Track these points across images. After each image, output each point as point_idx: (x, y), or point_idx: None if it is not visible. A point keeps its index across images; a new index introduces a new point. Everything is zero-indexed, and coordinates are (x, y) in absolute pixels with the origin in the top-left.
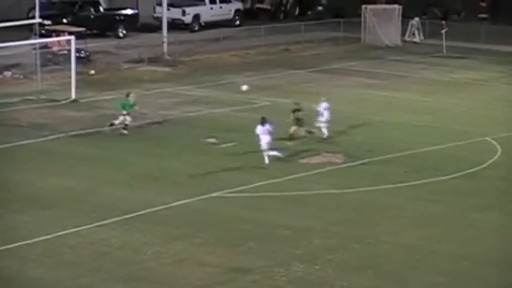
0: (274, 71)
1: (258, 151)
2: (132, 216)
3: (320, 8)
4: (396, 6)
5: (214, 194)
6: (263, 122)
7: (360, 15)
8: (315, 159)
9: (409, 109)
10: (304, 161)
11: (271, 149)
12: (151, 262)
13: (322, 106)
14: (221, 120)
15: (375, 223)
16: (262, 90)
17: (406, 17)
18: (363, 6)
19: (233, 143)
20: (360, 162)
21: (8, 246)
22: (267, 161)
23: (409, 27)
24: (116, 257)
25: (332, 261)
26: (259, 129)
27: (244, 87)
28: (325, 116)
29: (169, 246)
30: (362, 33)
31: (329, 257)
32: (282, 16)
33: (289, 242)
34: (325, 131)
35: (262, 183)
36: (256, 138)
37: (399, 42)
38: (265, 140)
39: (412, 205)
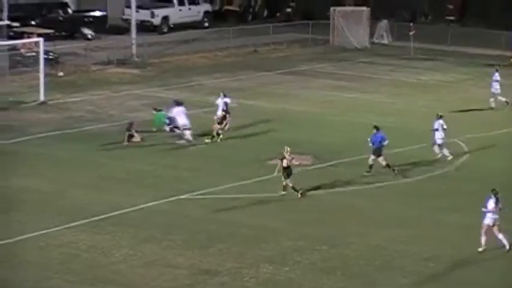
0: (242, 72)
1: (222, 149)
2: (100, 219)
3: (289, 9)
4: (364, 8)
5: (183, 196)
6: (178, 103)
7: (328, 17)
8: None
9: (377, 111)
10: (273, 162)
11: (186, 129)
12: (120, 264)
13: None
14: (191, 121)
15: (343, 224)
16: (231, 91)
17: (374, 19)
18: (332, 8)
19: (203, 145)
20: (328, 163)
21: None
22: (190, 138)
23: (377, 29)
24: (84, 259)
25: (300, 262)
26: (175, 110)
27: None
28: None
29: (137, 249)
30: (330, 35)
31: (297, 258)
32: (250, 18)
33: (258, 243)
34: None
35: (230, 185)
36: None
37: (367, 44)
38: (181, 121)
39: (379, 206)
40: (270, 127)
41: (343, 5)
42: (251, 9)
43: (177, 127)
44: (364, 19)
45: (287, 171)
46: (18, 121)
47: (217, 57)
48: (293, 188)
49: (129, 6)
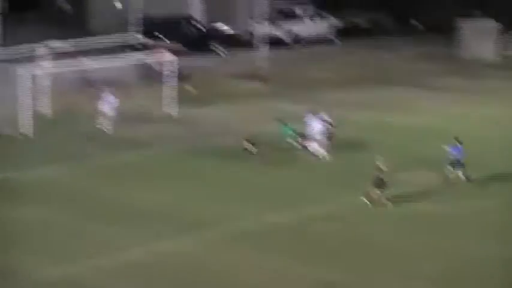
0: (369, 87)
1: (350, 166)
2: (225, 231)
3: (415, 23)
4: (494, 20)
5: (304, 209)
6: (316, 113)
7: (457, 30)
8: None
9: (507, 126)
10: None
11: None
12: (244, 276)
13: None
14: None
15: (453, 236)
16: (358, 106)
17: (505, 31)
18: (460, 21)
19: (324, 158)
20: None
21: (102, 260)
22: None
23: (509, 41)
24: (210, 270)
25: (415, 274)
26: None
27: None
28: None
29: (260, 261)
30: (459, 49)
31: (414, 270)
32: (377, 32)
33: (377, 256)
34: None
35: (352, 198)
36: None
37: (498, 57)
38: (317, 128)
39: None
40: (397, 142)
41: (472, 18)
42: (378, 23)
43: (305, 139)
44: (494, 31)
45: (378, 182)
46: (145, 134)
47: (344, 72)
48: (373, 197)
49: (258, 22)
